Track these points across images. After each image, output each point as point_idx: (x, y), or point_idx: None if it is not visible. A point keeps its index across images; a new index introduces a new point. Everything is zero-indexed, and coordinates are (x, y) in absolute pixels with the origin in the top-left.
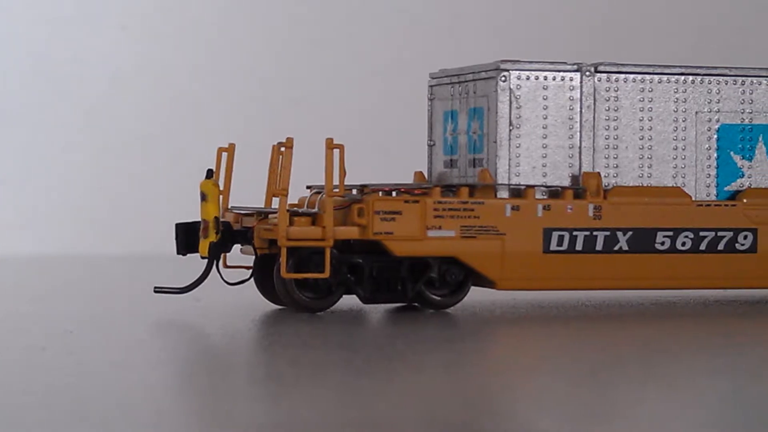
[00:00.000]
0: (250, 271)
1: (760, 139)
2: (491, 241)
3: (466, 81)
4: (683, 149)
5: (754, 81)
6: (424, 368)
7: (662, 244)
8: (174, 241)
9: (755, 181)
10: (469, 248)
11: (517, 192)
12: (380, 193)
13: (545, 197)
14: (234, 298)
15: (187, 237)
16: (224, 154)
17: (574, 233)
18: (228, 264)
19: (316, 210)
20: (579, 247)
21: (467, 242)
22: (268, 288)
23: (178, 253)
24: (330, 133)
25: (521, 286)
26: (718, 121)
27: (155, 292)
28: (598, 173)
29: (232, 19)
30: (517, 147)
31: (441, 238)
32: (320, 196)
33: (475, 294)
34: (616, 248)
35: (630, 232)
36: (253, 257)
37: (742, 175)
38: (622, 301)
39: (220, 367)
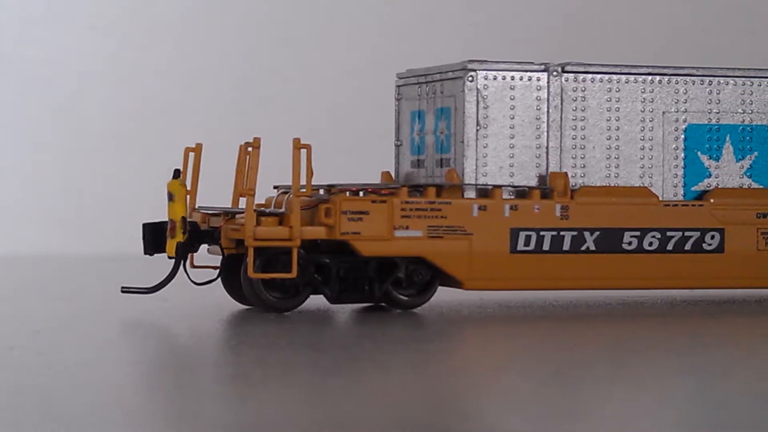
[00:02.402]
0: (218, 271)
1: (727, 139)
2: (458, 241)
3: (433, 81)
4: (650, 149)
5: (721, 81)
6: (391, 368)
7: (629, 244)
8: (141, 241)
9: (722, 181)
10: (436, 248)
11: (484, 192)
12: (347, 193)
13: (512, 197)
14: (201, 298)
15: (154, 237)
16: (191, 154)
17: (542, 233)
18: (195, 264)
19: (283, 210)
20: (546, 247)
21: (434, 242)
22: (235, 288)
23: (146, 253)
24: (297, 133)
25: (488, 286)
26: (685, 121)
27: (122, 292)
28: (565, 173)
29: (200, 19)
30: (484, 147)
31: (408, 238)
32: (287, 196)
33: (443, 294)
34: (583, 248)
35: (597, 232)
36: (221, 257)
37: (710, 175)
38: (589, 301)
39: (187, 366)
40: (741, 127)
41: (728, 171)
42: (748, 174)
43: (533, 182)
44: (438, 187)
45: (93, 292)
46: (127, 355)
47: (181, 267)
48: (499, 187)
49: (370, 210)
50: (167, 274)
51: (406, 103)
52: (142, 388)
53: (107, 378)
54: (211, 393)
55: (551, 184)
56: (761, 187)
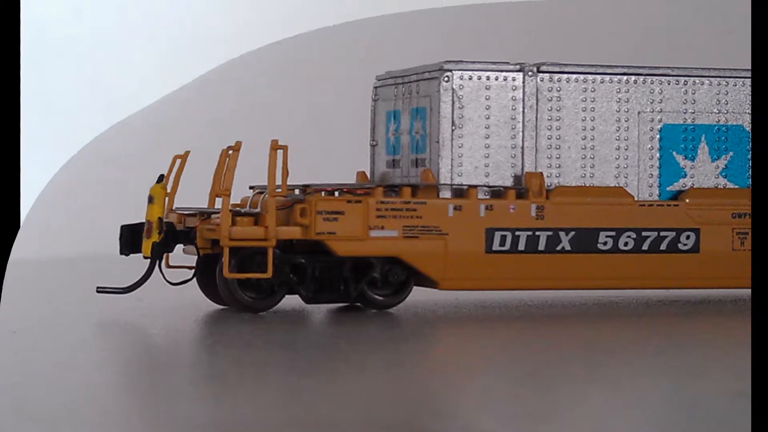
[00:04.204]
0: (193, 271)
1: (703, 139)
2: (434, 241)
3: (410, 82)
4: (626, 149)
5: (697, 81)
6: (367, 368)
7: (605, 244)
8: (118, 242)
9: (697, 181)
10: (411, 248)
11: (459, 192)
12: (323, 193)
13: (488, 197)
14: (176, 298)
15: (130, 237)
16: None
17: (517, 233)
18: (171, 264)
19: (258, 210)
20: (521, 247)
21: (410, 242)
22: (210, 288)
23: (121, 253)
24: (274, 134)
25: (464, 286)
26: (660, 121)
27: (98, 292)
28: (541, 173)
29: (177, 20)
30: (460, 147)
31: (383, 238)
32: (263, 196)
33: (418, 294)
34: (558, 248)
35: (572, 232)
36: (196, 257)
37: (685, 175)
38: (564, 302)
39: (162, 366)
40: (716, 127)
41: (704, 171)
42: (723, 174)
43: (508, 182)
44: (413, 187)
45: (68, 293)
46: (103, 355)
47: (157, 267)
48: (475, 187)
49: (346, 210)
50: (143, 274)
51: (382, 103)
52: (117, 388)
53: (82, 378)
54: (186, 393)
55: (526, 184)
56: (737, 187)
